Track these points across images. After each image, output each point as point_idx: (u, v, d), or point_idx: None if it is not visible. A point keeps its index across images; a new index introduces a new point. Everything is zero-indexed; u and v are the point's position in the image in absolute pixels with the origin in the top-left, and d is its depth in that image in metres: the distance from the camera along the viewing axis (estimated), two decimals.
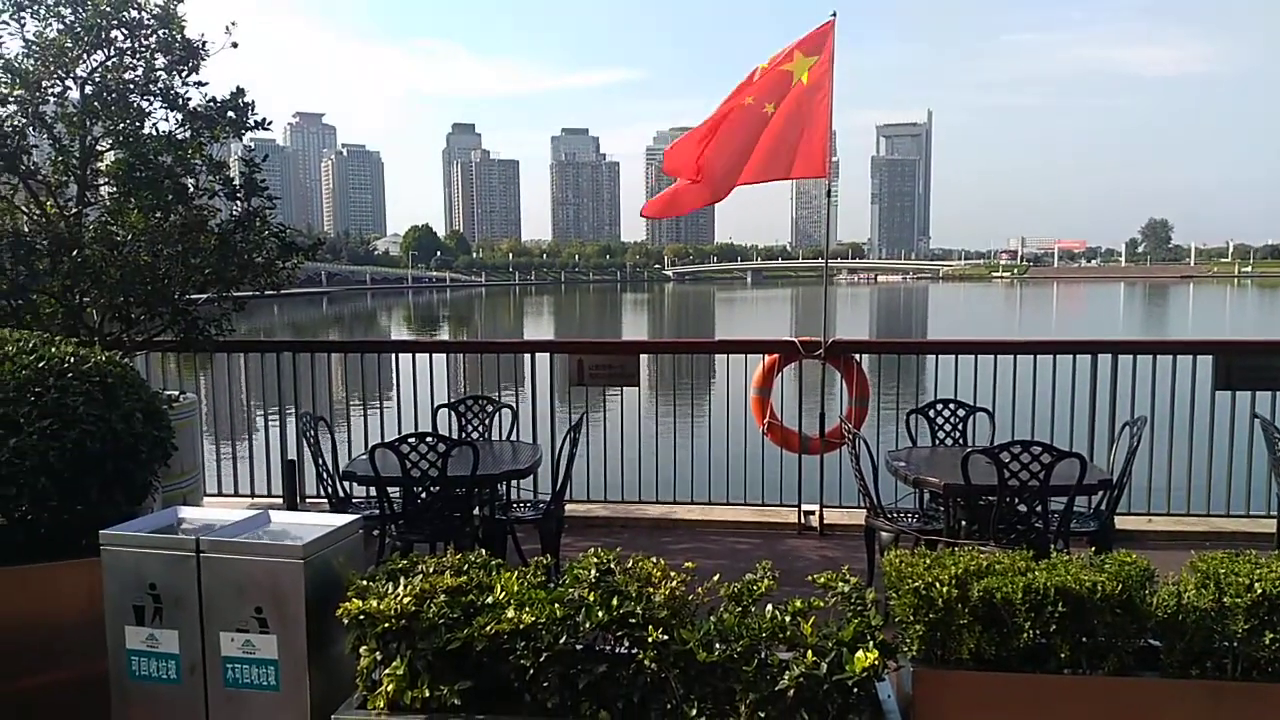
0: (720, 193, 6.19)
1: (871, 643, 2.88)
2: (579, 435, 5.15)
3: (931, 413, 5.49)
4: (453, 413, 5.93)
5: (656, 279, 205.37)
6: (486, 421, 5.87)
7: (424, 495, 4.66)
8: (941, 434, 5.47)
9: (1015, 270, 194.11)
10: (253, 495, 6.81)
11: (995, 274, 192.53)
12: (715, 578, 3.16)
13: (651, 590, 3.06)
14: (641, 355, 6.53)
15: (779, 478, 6.32)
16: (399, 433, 6.47)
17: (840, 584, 3.12)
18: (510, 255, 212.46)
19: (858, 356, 6.26)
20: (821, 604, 3.09)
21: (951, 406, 5.50)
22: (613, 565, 3.22)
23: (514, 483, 5.42)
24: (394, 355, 7.14)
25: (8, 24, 5.87)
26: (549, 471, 5.55)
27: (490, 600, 3.09)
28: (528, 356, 6.71)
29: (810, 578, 3.18)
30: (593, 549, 3.27)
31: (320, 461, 5.06)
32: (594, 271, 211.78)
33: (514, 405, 6.03)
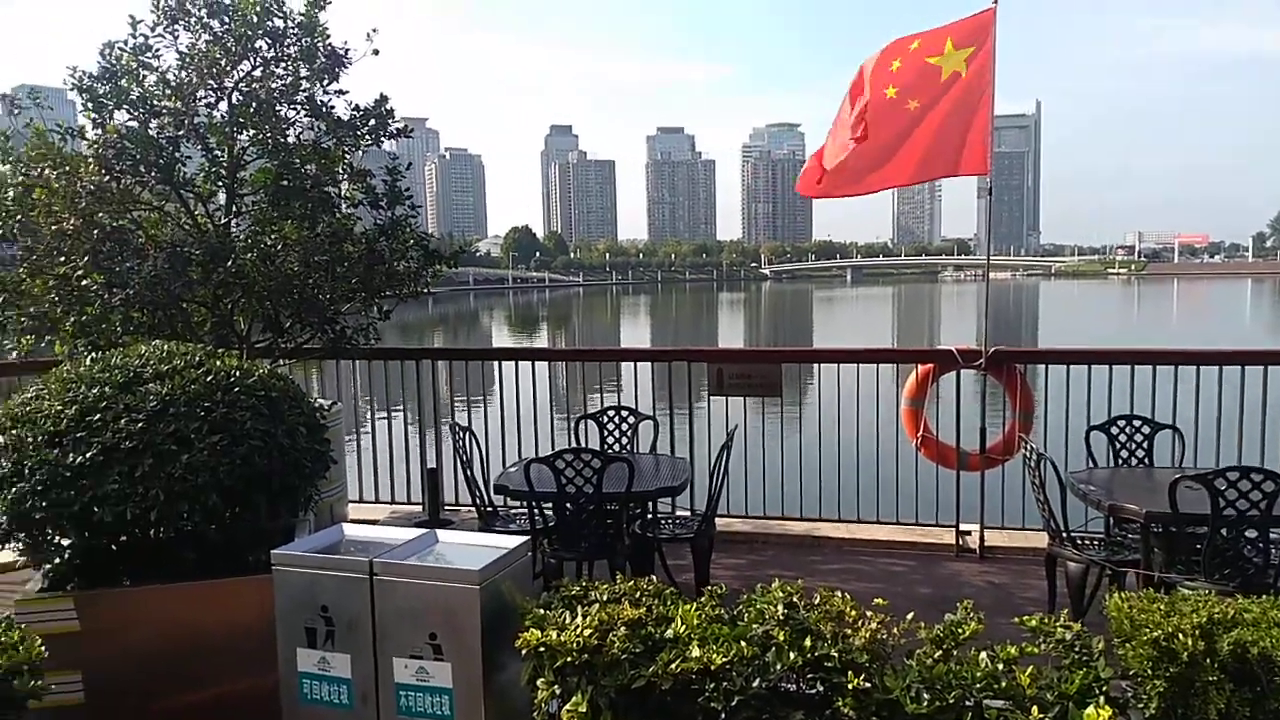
0: (867, 188, 5.90)
1: (1101, 698, 2.58)
2: (730, 449, 4.94)
3: (1114, 429, 5.06)
4: (594, 424, 5.78)
5: (753, 278, 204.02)
6: (630, 434, 5.71)
7: (578, 512, 4.52)
8: (1125, 453, 5.04)
9: (1132, 266, 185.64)
10: (393, 502, 6.83)
11: (1111, 270, 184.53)
12: (910, 616, 2.91)
13: (850, 632, 2.83)
14: (783, 364, 6.26)
15: (934, 495, 5.98)
16: (534, 441, 6.41)
17: (1059, 629, 2.83)
18: (607, 255, 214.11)
19: (1021, 367, 5.86)
20: (1035, 649, 2.81)
21: (1135, 423, 5.07)
22: (796, 599, 3.02)
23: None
24: (514, 362, 7.02)
25: (163, 37, 5.98)
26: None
27: (670, 634, 2.92)
28: (666, 365, 6.55)
29: (1018, 620, 2.91)
30: (777, 582, 3.07)
31: (469, 474, 4.99)
32: (690, 271, 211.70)
33: (655, 417, 5.86)
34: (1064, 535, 4.41)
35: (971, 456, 5.85)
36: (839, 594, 3.01)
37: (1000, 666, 2.74)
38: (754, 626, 2.90)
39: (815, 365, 6.70)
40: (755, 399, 6.35)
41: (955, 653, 2.85)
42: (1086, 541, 4.55)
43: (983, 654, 2.77)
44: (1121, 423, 5.07)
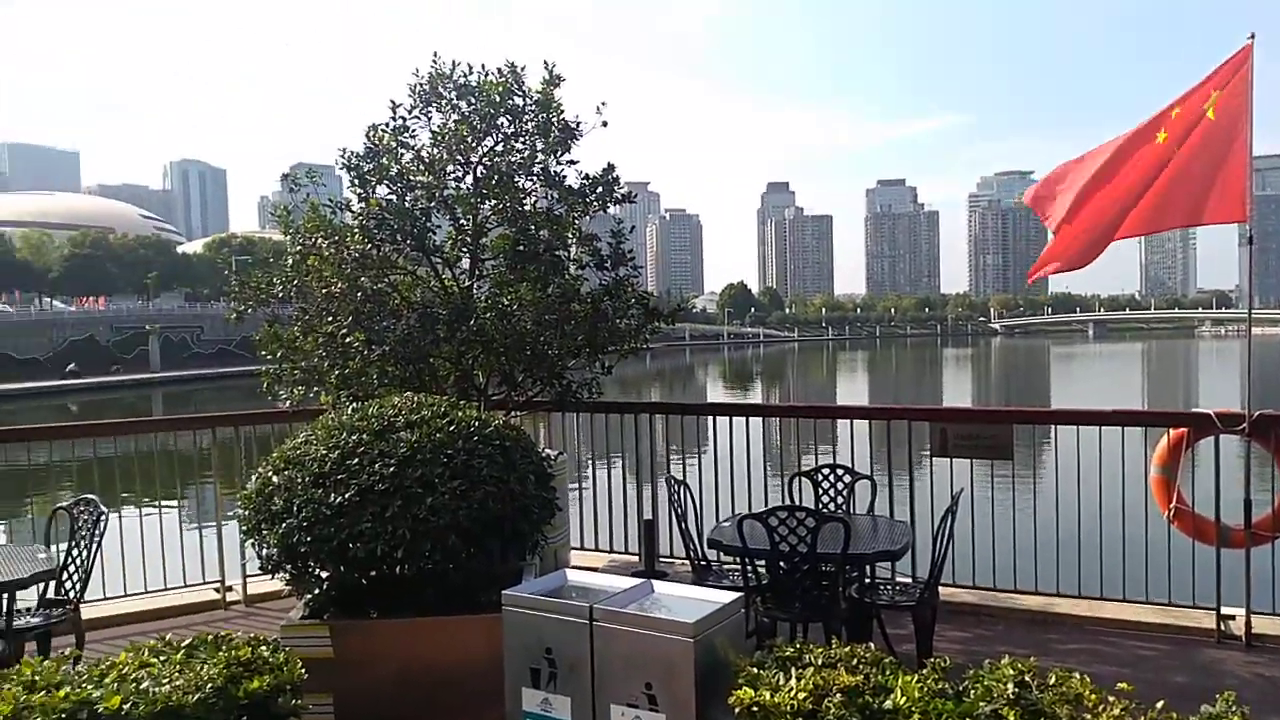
0: (1104, 243, 5.54)
1: None
2: (955, 514, 4.72)
3: None
4: (808, 481, 5.70)
5: (981, 332, 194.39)
6: (846, 493, 5.59)
7: (792, 571, 4.47)
8: None
9: None
10: (610, 550, 7.04)
11: None
12: (1159, 705, 2.65)
13: (1089, 718, 2.63)
14: (1015, 425, 5.93)
15: (1190, 574, 5.41)
16: (747, 496, 6.41)
17: None
18: (823, 310, 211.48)
19: None
20: None
21: None
22: (1028, 678, 2.84)
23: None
24: (728, 417, 7.06)
25: (418, 118, 6.63)
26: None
27: (889, 705, 2.82)
28: (885, 424, 6.39)
29: None
30: (1006, 659, 2.90)
31: (684, 527, 5.07)
32: (911, 325, 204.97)
33: (873, 477, 5.70)
34: None
35: (1235, 532, 5.25)
36: (1077, 675, 2.81)
37: None
38: (981, 704, 2.76)
39: (1051, 427, 6.26)
40: (983, 461, 6.05)
41: None
42: None
43: None
44: None
